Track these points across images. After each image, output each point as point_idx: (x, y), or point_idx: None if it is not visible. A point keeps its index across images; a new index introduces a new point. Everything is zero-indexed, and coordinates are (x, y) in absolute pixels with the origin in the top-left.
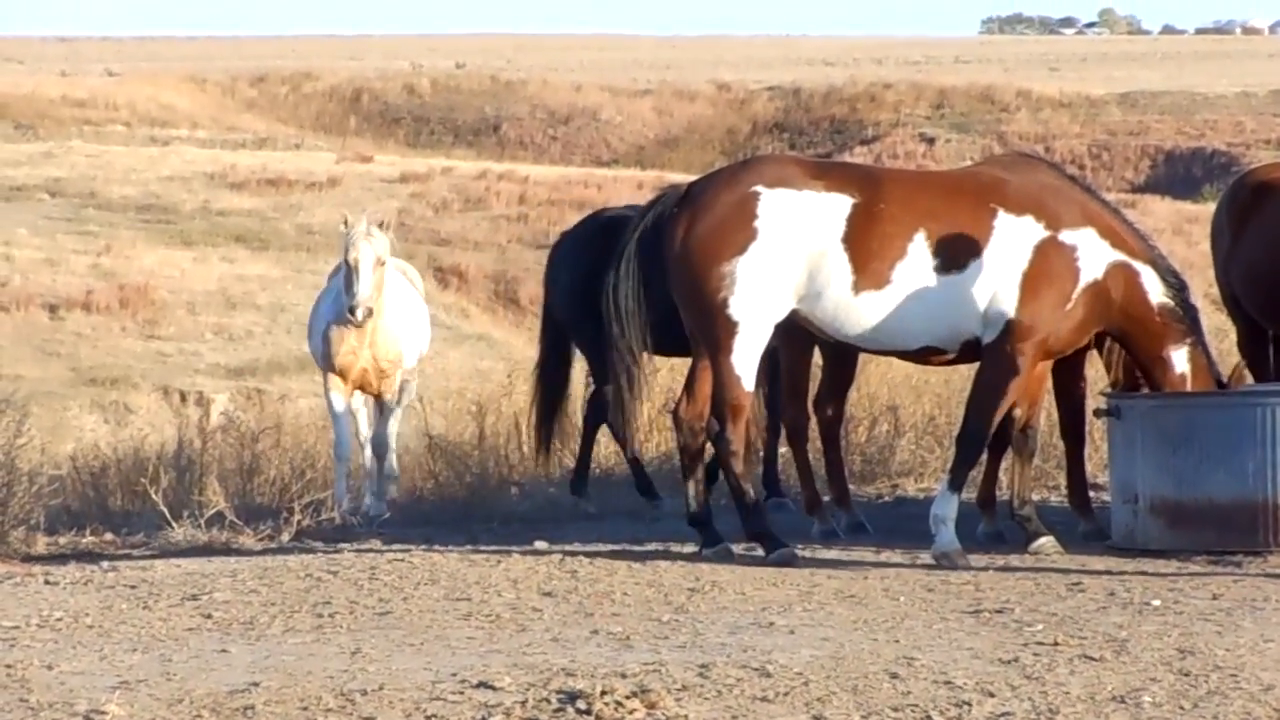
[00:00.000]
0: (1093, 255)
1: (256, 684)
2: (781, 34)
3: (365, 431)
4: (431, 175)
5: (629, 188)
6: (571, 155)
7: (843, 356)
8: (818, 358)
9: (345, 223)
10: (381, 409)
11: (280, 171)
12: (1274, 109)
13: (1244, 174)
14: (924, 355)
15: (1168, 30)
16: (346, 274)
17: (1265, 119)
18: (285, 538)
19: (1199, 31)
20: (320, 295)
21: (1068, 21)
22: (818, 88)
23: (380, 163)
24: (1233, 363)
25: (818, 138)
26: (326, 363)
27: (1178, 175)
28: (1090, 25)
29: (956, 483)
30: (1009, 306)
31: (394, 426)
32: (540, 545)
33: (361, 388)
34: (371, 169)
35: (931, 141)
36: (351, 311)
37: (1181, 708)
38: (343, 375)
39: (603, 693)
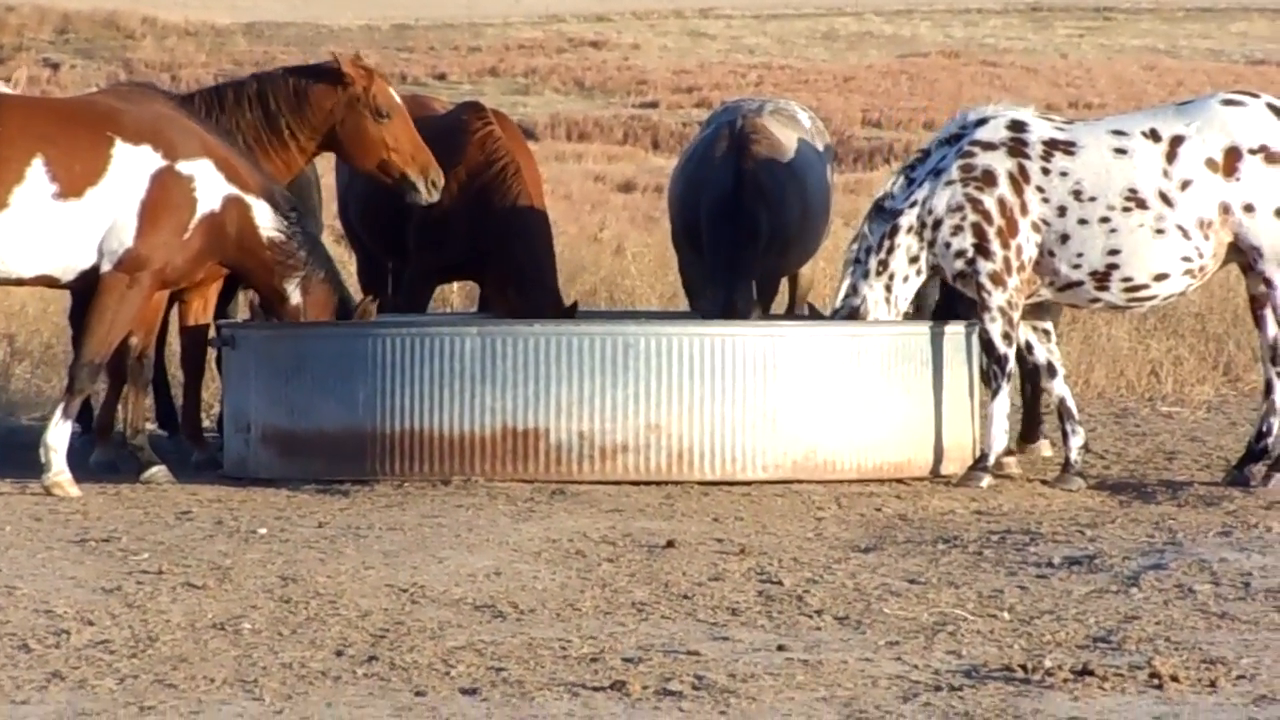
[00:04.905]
0: (209, 187)
1: None
2: None
3: None
4: None
5: None
6: None
7: None
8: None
9: None
10: None
11: None
12: (397, 43)
13: None
14: (40, 284)
15: None
16: None
17: (389, 53)
18: None
19: None
20: None
21: None
22: None
23: None
24: None
25: None
26: None
27: None
28: None
29: (69, 411)
30: (127, 237)
31: None
32: None
33: None
34: None
35: (56, 68)
36: None
37: (280, 634)
38: None
39: None
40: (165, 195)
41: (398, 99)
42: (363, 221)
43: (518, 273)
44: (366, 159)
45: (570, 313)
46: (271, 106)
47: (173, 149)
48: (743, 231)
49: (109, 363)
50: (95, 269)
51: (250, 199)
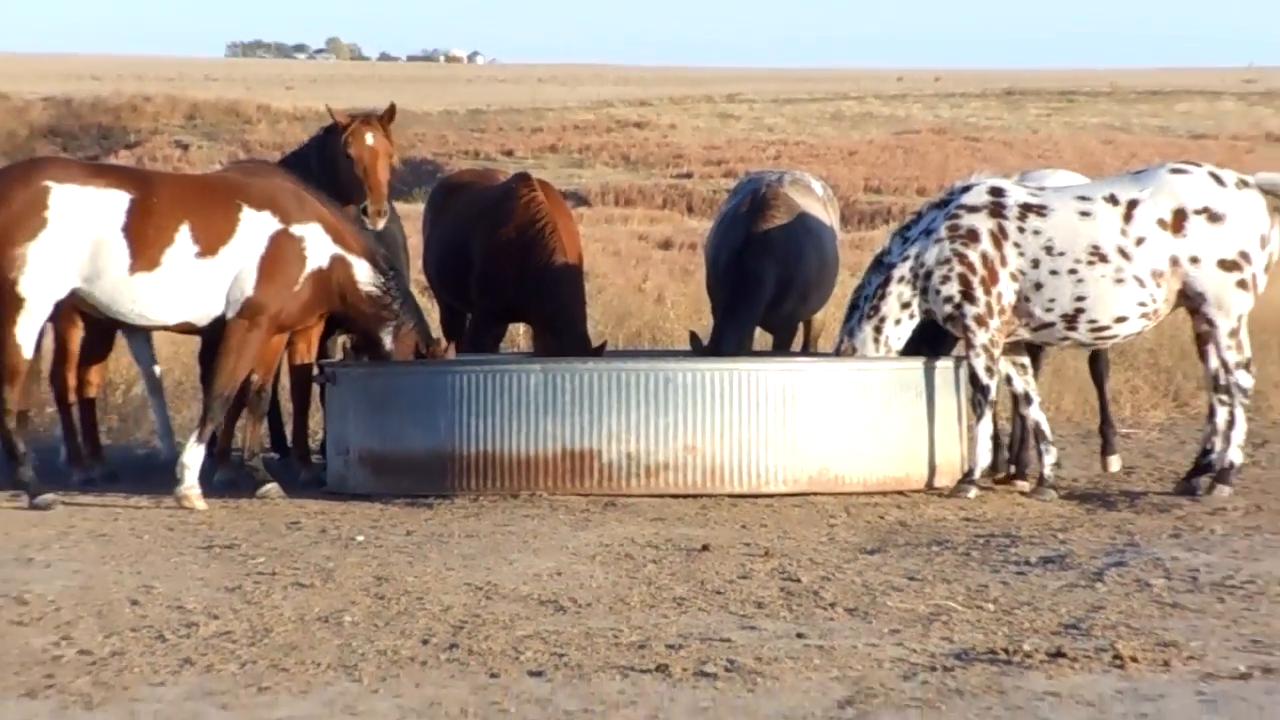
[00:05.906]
0: (318, 247)
1: None
2: (55, 51)
3: None
4: None
5: None
6: None
7: (104, 330)
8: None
9: None
10: None
11: None
12: (471, 125)
13: (443, 179)
14: (180, 330)
15: (385, 57)
16: None
17: (465, 134)
18: None
19: (411, 59)
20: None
21: (301, 48)
22: (86, 98)
23: None
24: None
25: (87, 142)
26: None
27: (396, 178)
28: (320, 51)
29: (203, 436)
30: (248, 287)
31: None
32: None
33: None
34: None
35: (186, 148)
36: None
37: (375, 625)
38: None
39: None
40: (280, 253)
41: (370, 143)
42: (437, 275)
43: (552, 317)
44: (337, 189)
45: (598, 353)
46: (310, 162)
47: (287, 214)
48: (745, 284)
49: None
50: (223, 316)
51: (352, 258)
